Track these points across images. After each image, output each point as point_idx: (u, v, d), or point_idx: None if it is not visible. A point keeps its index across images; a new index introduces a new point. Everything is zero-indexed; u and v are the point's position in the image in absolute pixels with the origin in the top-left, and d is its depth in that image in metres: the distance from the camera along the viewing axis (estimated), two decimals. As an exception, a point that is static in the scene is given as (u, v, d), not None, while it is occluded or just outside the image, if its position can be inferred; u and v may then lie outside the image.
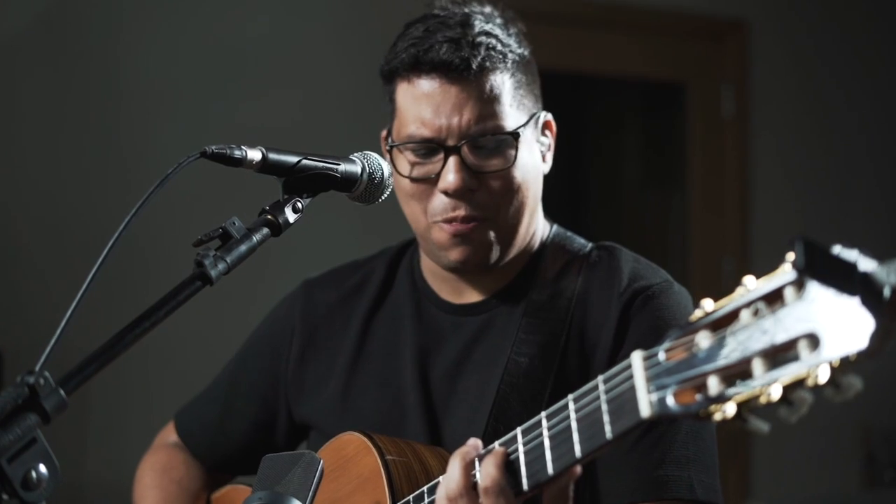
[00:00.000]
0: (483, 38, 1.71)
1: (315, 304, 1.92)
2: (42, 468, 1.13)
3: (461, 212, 1.69)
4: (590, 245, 1.82)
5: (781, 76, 4.97)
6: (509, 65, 1.73)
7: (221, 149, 1.33)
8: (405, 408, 1.77)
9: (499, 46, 1.72)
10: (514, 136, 1.70)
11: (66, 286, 3.41)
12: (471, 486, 1.38)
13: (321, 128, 3.96)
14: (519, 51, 1.76)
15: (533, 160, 1.76)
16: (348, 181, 1.45)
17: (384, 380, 1.81)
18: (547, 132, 1.82)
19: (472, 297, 1.80)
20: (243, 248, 1.33)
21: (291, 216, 1.38)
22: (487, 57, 1.70)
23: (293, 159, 1.39)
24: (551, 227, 1.85)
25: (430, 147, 1.70)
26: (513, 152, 1.70)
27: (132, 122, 3.82)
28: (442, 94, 1.69)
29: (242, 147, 1.35)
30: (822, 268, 0.99)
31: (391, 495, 1.57)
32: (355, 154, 1.47)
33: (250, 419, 1.95)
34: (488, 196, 1.70)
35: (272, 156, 1.37)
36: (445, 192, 1.69)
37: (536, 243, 1.82)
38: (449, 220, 1.70)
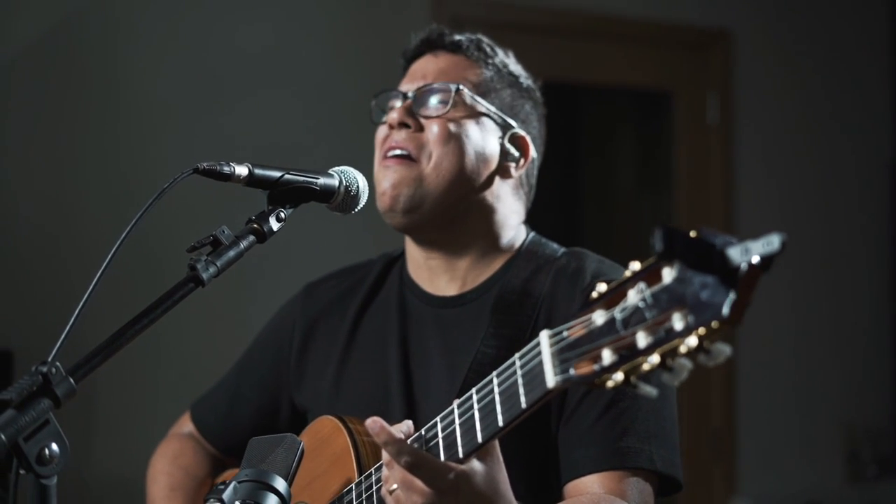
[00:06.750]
0: (468, 35, 2.00)
1: (315, 300, 2.10)
2: (54, 446, 1.28)
3: (395, 139, 1.92)
4: (561, 251, 1.98)
5: (765, 84, 5.09)
6: (487, 62, 1.97)
7: (212, 165, 1.47)
8: (389, 390, 1.93)
9: (482, 45, 1.99)
10: (456, 89, 1.92)
11: (70, 288, 3.55)
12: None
13: (317, 137, 4.06)
14: (507, 64, 2.00)
15: (483, 143, 1.94)
16: (326, 193, 1.60)
17: (371, 366, 1.97)
18: (518, 147, 1.98)
19: (449, 290, 1.97)
20: (232, 253, 1.47)
21: (275, 225, 1.53)
22: (464, 43, 1.97)
23: (277, 174, 1.54)
24: (528, 235, 2.01)
25: (396, 99, 1.96)
26: (448, 106, 1.91)
27: (131, 127, 3.89)
28: (419, 64, 2.00)
29: (231, 163, 1.49)
30: (682, 250, 1.12)
31: (359, 471, 1.72)
32: (334, 169, 1.62)
33: (256, 406, 2.13)
34: (422, 139, 1.91)
35: (258, 171, 1.52)
36: (391, 127, 1.93)
37: (512, 248, 1.98)
38: (385, 153, 1.92)
